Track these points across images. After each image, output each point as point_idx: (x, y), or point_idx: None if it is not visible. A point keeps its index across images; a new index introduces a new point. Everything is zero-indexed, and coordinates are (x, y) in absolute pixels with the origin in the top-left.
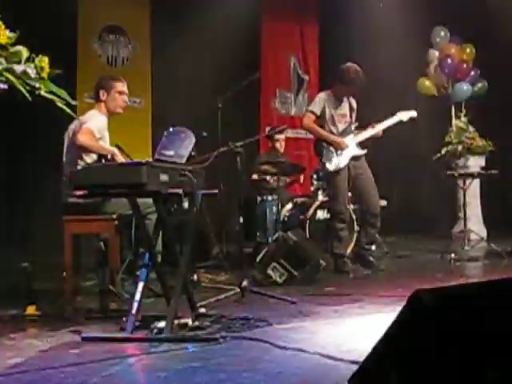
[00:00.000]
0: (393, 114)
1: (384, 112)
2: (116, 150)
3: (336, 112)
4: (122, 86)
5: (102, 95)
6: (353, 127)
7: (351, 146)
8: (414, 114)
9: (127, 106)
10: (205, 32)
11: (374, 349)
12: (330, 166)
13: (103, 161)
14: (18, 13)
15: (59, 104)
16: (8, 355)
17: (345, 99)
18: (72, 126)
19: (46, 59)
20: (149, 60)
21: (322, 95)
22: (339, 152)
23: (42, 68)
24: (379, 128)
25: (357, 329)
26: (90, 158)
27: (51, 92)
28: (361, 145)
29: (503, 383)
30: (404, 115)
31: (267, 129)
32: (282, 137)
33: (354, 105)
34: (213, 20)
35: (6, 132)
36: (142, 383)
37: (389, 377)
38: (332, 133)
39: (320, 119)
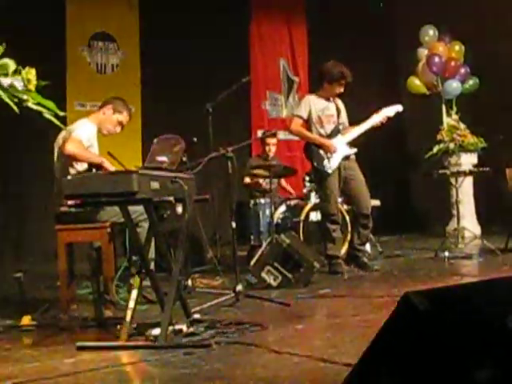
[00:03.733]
0: (379, 111)
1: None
2: (104, 159)
3: (323, 113)
4: (125, 119)
5: (106, 110)
6: (340, 127)
7: (341, 147)
8: (399, 108)
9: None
10: (194, 37)
11: (367, 352)
12: (322, 168)
13: (93, 170)
14: (6, 20)
15: (47, 115)
16: (4, 366)
17: (331, 100)
18: (62, 135)
19: (32, 71)
20: (138, 66)
21: (307, 98)
22: (329, 154)
23: (28, 80)
24: (366, 126)
25: (351, 331)
26: (81, 166)
27: (39, 103)
28: (350, 144)
29: None
30: (390, 110)
31: (259, 132)
32: (273, 141)
33: (341, 105)
34: (202, 25)
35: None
36: None
37: (381, 380)
38: (320, 134)
39: (307, 122)
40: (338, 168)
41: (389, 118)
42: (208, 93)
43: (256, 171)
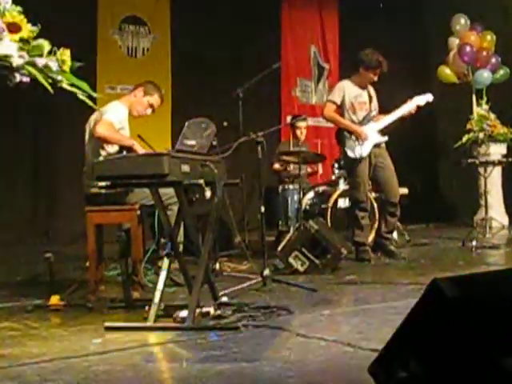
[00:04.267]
0: (410, 99)
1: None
2: (135, 142)
3: (356, 100)
4: (156, 102)
5: (138, 92)
6: (372, 114)
7: (372, 134)
8: (430, 97)
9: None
10: (225, 22)
11: (394, 337)
12: (353, 155)
13: (124, 152)
14: (38, 2)
15: (81, 96)
16: (32, 344)
17: (364, 87)
18: (93, 116)
19: (67, 52)
20: (169, 50)
21: (341, 84)
22: (361, 141)
23: (63, 61)
24: (398, 114)
25: (377, 317)
26: (112, 148)
27: (73, 85)
28: (381, 132)
29: None
30: (420, 99)
31: (288, 117)
32: (303, 125)
33: (373, 92)
34: (233, 11)
35: (32, 120)
36: (164, 372)
37: (408, 365)
38: (352, 121)
39: (340, 108)
40: (369, 155)
41: (418, 107)
42: (238, 78)
43: (285, 157)
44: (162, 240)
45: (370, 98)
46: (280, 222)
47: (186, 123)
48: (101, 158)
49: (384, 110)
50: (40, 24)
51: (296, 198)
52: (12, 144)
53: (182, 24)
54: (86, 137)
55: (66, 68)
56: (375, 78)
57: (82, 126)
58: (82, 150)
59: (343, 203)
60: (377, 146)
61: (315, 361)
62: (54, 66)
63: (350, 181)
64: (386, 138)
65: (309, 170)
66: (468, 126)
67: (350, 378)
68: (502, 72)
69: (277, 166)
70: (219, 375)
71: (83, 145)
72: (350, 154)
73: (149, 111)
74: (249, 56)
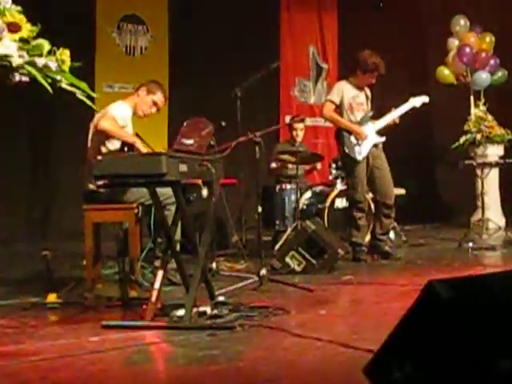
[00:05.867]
0: (406, 101)
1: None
2: (137, 140)
3: (354, 101)
4: (160, 100)
5: (141, 92)
6: (370, 115)
7: (371, 135)
8: (426, 99)
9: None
10: (223, 22)
11: (389, 338)
12: (353, 155)
13: (126, 149)
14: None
15: (80, 96)
16: (29, 342)
17: (362, 88)
18: (98, 115)
19: (67, 52)
20: (167, 49)
21: (340, 84)
22: (360, 141)
23: (62, 61)
24: (395, 115)
25: (373, 317)
26: (113, 146)
27: (72, 84)
28: (379, 132)
29: None
30: (416, 101)
31: (287, 117)
32: (300, 126)
33: (369, 93)
34: (231, 10)
35: (30, 118)
36: (161, 371)
37: (404, 366)
38: (351, 121)
39: (339, 108)
40: (367, 156)
41: (415, 109)
42: (236, 77)
43: (283, 156)
44: (159, 239)
45: (367, 98)
46: (277, 222)
47: (185, 123)
48: (99, 157)
49: (382, 110)
50: (39, 23)
51: (293, 197)
52: (9, 141)
53: (180, 23)
54: (90, 136)
55: (66, 68)
56: (373, 81)
57: (81, 123)
58: (81, 148)
59: (340, 203)
60: (374, 146)
61: (311, 361)
62: (53, 65)
63: (348, 181)
64: (383, 139)
65: (306, 167)
66: (465, 127)
67: (345, 378)
68: (500, 74)
69: (274, 165)
70: (215, 374)
71: (82, 142)
72: (350, 153)
73: (153, 110)
74: (247, 55)
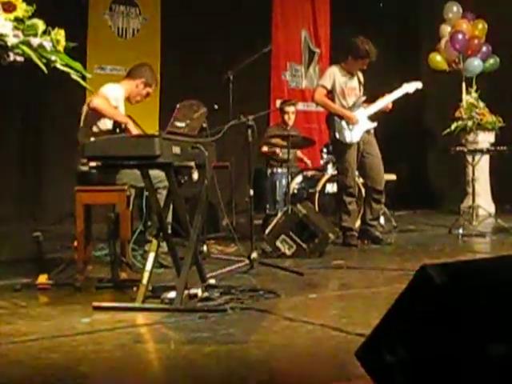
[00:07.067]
0: (398, 86)
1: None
2: (129, 121)
3: (346, 85)
4: (153, 90)
5: (140, 83)
6: (361, 100)
7: (362, 120)
8: (419, 85)
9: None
10: (216, 5)
11: (382, 322)
12: (343, 140)
13: (118, 130)
14: None
15: (74, 76)
16: (20, 323)
17: (354, 73)
18: (92, 98)
19: (62, 32)
20: (159, 32)
21: (332, 69)
22: (351, 126)
23: (57, 41)
24: (387, 100)
25: (364, 302)
26: (105, 126)
27: (66, 65)
28: (370, 118)
29: (510, 361)
30: (410, 87)
31: (278, 102)
32: (291, 110)
33: (362, 78)
34: None
35: (21, 100)
36: (152, 353)
37: (396, 350)
38: (342, 106)
39: (331, 93)
40: (358, 142)
41: (407, 94)
42: (228, 61)
43: (274, 140)
44: (150, 222)
45: (360, 83)
46: (268, 206)
47: (178, 105)
48: (92, 139)
49: (374, 96)
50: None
51: (284, 181)
52: None
53: (172, 6)
54: (82, 117)
55: (61, 48)
56: (364, 67)
57: (72, 103)
58: (72, 130)
59: (331, 188)
60: (366, 132)
61: (302, 344)
62: (48, 45)
63: (338, 166)
64: (375, 124)
65: (299, 154)
66: (457, 114)
67: (336, 361)
68: (491, 61)
69: (265, 149)
70: (206, 357)
71: (74, 124)
72: (340, 138)
73: (144, 99)
74: (240, 39)
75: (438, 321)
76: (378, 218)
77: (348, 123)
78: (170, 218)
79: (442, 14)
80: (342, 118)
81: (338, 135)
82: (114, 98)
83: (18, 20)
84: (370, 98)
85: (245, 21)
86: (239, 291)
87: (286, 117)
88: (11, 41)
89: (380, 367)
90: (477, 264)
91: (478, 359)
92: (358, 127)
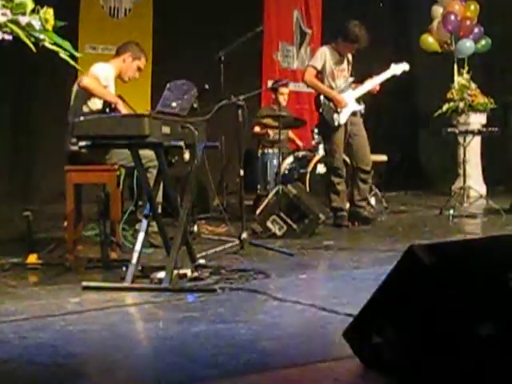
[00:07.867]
0: (386, 68)
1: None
2: (119, 101)
3: (336, 67)
4: (143, 64)
5: (127, 58)
6: (350, 81)
7: (350, 102)
8: (406, 66)
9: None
10: None
11: (369, 303)
12: (331, 122)
13: (107, 110)
14: None
15: (63, 55)
16: (10, 302)
17: (344, 54)
18: (82, 77)
19: (50, 11)
20: (151, 12)
21: (323, 50)
22: (339, 109)
23: (46, 20)
24: (375, 82)
25: (353, 282)
26: (95, 105)
27: (55, 43)
28: (357, 100)
29: (498, 340)
30: (397, 68)
31: (269, 82)
32: (285, 90)
33: (351, 59)
34: None
35: (12, 79)
36: (141, 332)
37: (383, 331)
38: (331, 87)
39: (321, 73)
40: (345, 123)
41: (395, 76)
42: (220, 41)
43: (265, 121)
44: (140, 202)
45: (349, 64)
46: (258, 186)
47: (168, 85)
48: (82, 118)
49: (364, 77)
50: None
51: (275, 162)
52: None
53: None
54: (72, 96)
55: (49, 27)
56: (352, 51)
57: (62, 84)
58: (63, 109)
59: (322, 169)
60: (353, 114)
61: (291, 324)
62: (36, 24)
63: (325, 147)
64: (362, 106)
65: (290, 134)
66: (448, 96)
67: (325, 341)
68: (483, 42)
69: (257, 129)
70: (195, 336)
71: (64, 104)
72: (328, 120)
73: (137, 74)
74: (231, 19)
75: (425, 301)
76: (366, 199)
77: (336, 105)
78: (160, 198)
79: None
80: (330, 99)
81: (325, 117)
82: (103, 78)
83: None
84: (359, 78)
85: (237, 1)
86: (229, 271)
87: (282, 98)
88: None
89: (367, 347)
90: (464, 245)
91: (466, 338)
92: (346, 109)
